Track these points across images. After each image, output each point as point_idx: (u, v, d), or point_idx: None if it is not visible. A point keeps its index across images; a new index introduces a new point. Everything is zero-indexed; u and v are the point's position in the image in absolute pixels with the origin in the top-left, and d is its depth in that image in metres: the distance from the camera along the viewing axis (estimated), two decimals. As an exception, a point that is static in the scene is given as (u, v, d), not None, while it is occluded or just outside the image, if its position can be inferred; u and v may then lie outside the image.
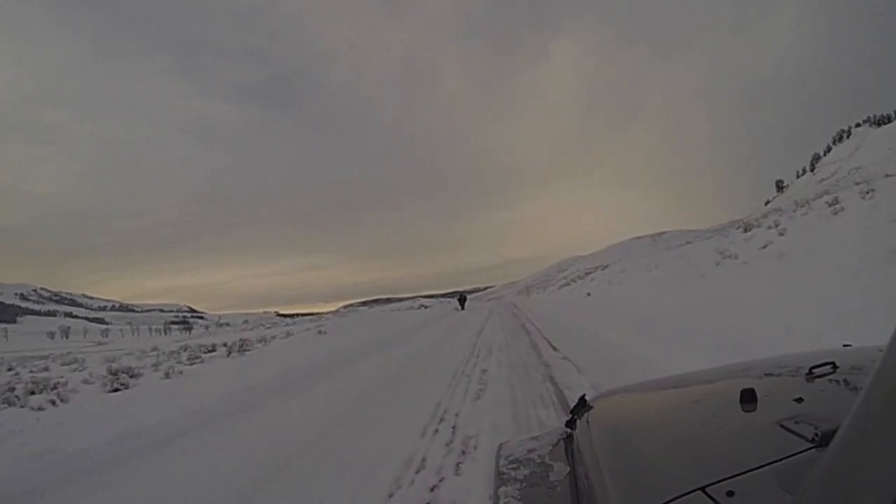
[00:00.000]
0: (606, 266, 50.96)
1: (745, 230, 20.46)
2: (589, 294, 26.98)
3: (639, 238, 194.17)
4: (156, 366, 13.64)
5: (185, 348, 22.16)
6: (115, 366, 13.40)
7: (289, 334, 22.26)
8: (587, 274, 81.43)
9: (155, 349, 25.26)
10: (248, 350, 17.83)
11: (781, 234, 15.70)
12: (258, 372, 9.91)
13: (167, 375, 10.45)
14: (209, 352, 19.16)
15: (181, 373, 10.84)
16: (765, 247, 15.38)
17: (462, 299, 38.47)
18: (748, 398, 1.27)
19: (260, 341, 20.89)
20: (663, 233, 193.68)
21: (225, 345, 19.93)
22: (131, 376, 10.62)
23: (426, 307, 47.75)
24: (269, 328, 49.77)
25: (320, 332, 19.02)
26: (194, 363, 15.47)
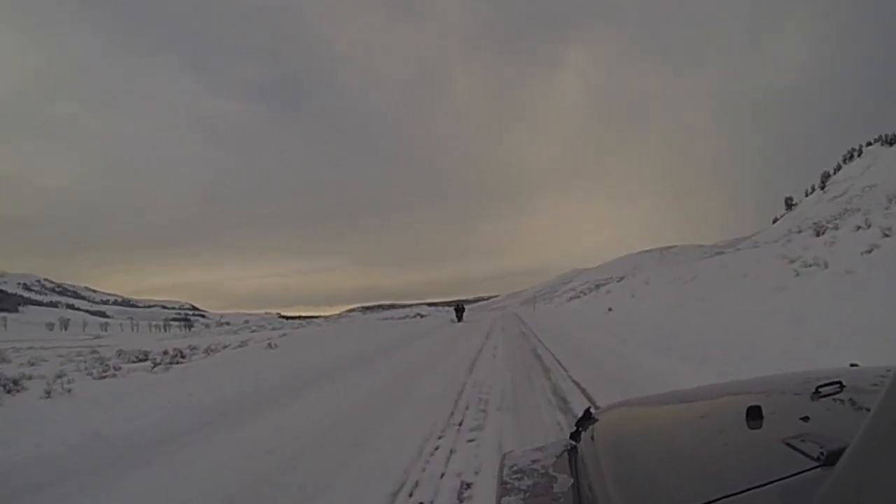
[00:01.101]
0: (622, 278, 46.61)
1: (818, 233, 16.35)
2: (611, 309, 22.70)
3: (646, 252, 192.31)
4: (60, 377, 11.02)
5: (120, 353, 18.45)
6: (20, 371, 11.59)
7: (243, 344, 18.36)
8: (598, 286, 77.27)
9: (95, 352, 21.50)
10: (181, 363, 14.06)
11: (887, 235, 11.72)
12: (143, 405, 6.91)
13: (48, 394, 8.64)
14: (139, 361, 15.45)
15: (70, 391, 8.84)
16: (870, 251, 11.33)
17: (459, 309, 33.53)
18: (754, 415, 1.23)
19: (206, 351, 17.07)
20: (671, 247, 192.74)
21: (166, 353, 16.24)
22: (7, 391, 9.16)
23: (422, 316, 43.55)
24: (254, 331, 46.05)
25: (270, 346, 15.02)
26: (105, 377, 11.89)
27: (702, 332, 11.43)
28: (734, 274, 16.65)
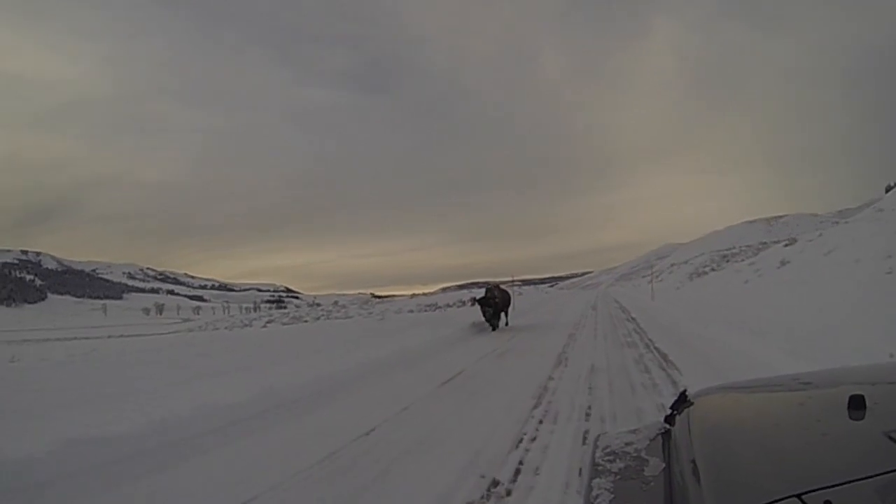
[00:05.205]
0: (794, 241, 29.44)
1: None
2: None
3: (751, 223, 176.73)
4: None
5: None
6: None
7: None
8: (726, 258, 59.29)
9: None
10: None
11: None
12: None
13: None
14: None
15: None
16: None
17: (489, 302, 15.19)
18: (856, 405, 1.16)
19: None
20: (780, 217, 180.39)
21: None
22: None
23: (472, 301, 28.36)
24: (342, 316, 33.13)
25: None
26: None
27: None
28: None
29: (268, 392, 6.08)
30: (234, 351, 10.38)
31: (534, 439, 4.36)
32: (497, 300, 15.12)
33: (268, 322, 42.66)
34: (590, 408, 5.33)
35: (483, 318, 14.92)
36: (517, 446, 4.21)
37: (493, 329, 14.83)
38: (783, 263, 22.62)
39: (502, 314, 15.93)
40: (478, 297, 15.59)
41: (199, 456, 4.34)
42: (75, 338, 52.76)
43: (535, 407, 5.49)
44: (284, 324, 39.27)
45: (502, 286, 17.56)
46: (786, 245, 28.52)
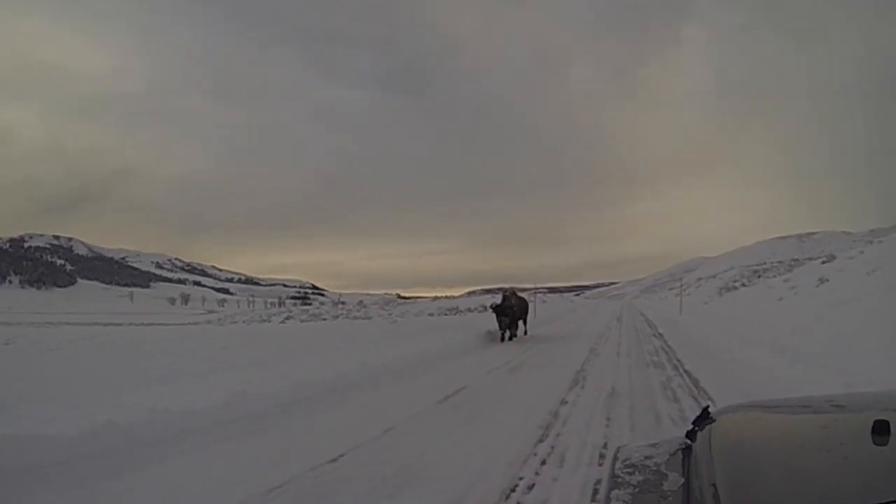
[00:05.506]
0: (831, 258, 27.95)
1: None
2: None
3: (782, 238, 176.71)
4: None
5: None
6: None
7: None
8: (758, 275, 57.44)
9: None
10: None
11: None
12: None
13: None
14: None
15: None
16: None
17: (506, 310, 14.12)
18: (880, 430, 1.12)
19: None
20: (812, 233, 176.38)
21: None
22: None
23: (465, 311, 27.44)
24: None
25: None
26: None
27: None
28: None
29: (227, 403, 5.34)
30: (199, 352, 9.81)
31: (531, 488, 3.53)
32: (514, 308, 14.18)
33: (286, 318, 42.19)
34: (605, 447, 4.44)
35: (499, 324, 13.93)
36: (508, 497, 3.37)
37: (510, 339, 13.91)
38: (822, 281, 21.26)
39: (520, 322, 15.06)
40: (493, 305, 14.67)
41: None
42: (96, 323, 53.50)
43: (540, 441, 4.65)
44: (303, 321, 38.76)
45: (519, 293, 16.59)
46: (823, 262, 27.07)
